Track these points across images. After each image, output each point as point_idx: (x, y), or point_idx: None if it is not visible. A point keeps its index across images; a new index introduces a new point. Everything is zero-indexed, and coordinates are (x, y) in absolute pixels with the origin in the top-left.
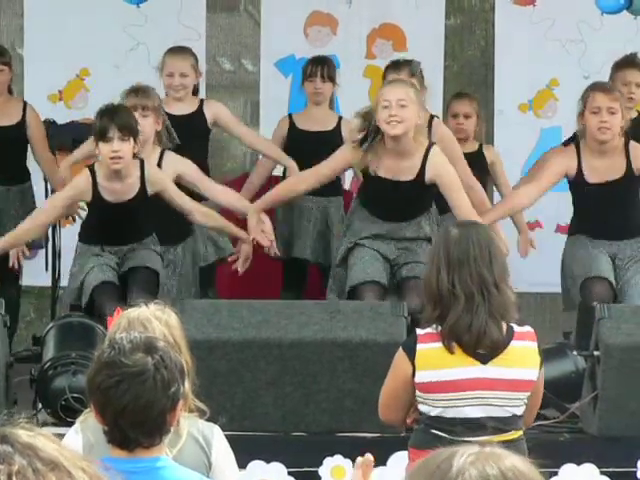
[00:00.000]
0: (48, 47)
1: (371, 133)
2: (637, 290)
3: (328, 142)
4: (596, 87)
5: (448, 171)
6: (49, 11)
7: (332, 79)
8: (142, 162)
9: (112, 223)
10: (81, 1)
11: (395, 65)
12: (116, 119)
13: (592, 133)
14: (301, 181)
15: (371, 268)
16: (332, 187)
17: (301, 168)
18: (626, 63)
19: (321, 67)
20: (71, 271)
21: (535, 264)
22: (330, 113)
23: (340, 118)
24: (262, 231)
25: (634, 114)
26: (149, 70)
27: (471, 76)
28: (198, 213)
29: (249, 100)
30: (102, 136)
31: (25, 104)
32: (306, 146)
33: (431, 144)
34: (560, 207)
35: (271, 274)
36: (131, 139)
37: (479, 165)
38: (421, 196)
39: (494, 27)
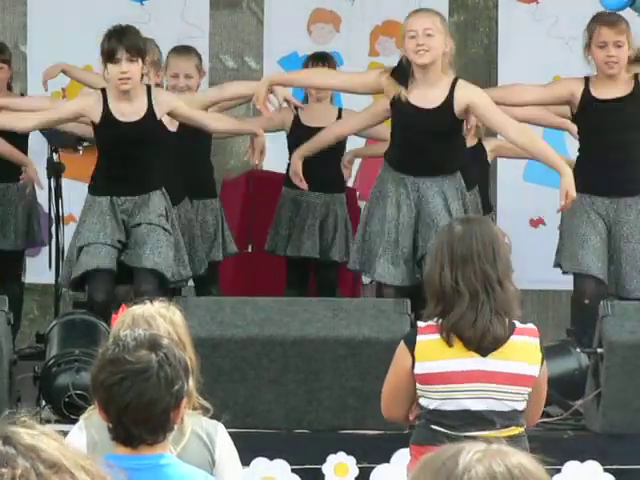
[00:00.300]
0: (51, 45)
1: (400, 63)
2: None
3: None
4: (601, 20)
5: (481, 95)
6: (52, 9)
7: None
8: (149, 87)
9: (122, 150)
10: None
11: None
12: (124, 40)
13: (600, 67)
14: (345, 125)
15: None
16: (336, 183)
17: (305, 164)
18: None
19: (321, 63)
20: (74, 236)
21: (538, 261)
22: (331, 108)
23: (340, 110)
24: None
25: None
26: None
27: (474, 73)
28: (211, 119)
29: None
30: (110, 57)
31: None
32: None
33: (457, 77)
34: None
35: (275, 272)
36: (139, 60)
37: (479, 160)
38: (449, 131)
39: (497, 24)
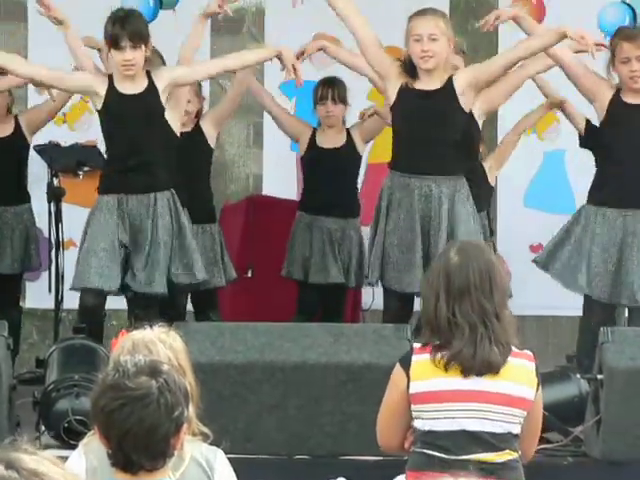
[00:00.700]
0: (54, 55)
1: (406, 61)
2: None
3: (343, 157)
4: (623, 35)
5: (477, 64)
6: (54, 34)
7: (343, 100)
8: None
9: (127, 130)
10: (86, 23)
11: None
12: (127, 27)
13: (625, 82)
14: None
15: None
16: (351, 208)
17: (320, 189)
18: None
19: (332, 89)
20: (82, 235)
21: (538, 287)
22: (343, 129)
23: (348, 130)
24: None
25: None
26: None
27: None
28: (224, 63)
29: (252, 122)
30: (114, 44)
31: (16, 116)
32: (323, 163)
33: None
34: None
35: (275, 297)
36: (142, 46)
37: (477, 177)
38: (452, 114)
39: (497, 49)
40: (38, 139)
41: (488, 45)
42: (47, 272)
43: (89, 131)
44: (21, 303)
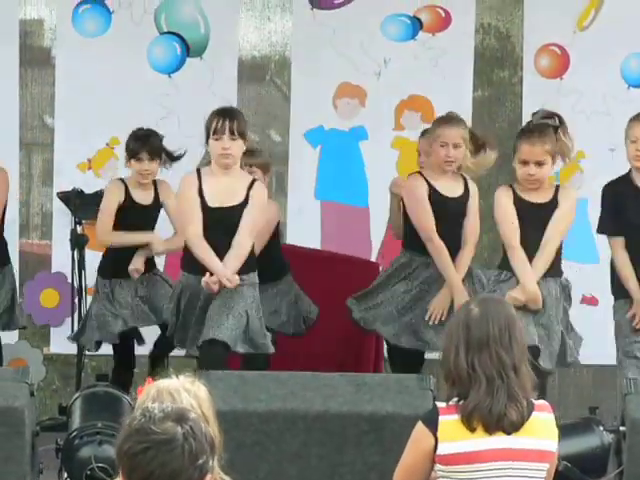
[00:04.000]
0: (79, 116)
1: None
2: None
3: None
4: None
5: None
6: (80, 80)
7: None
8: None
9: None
10: (112, 70)
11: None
12: (147, 144)
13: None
14: None
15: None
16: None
17: None
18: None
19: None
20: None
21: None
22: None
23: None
24: None
25: None
26: (180, 139)
27: (499, 149)
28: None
29: (275, 171)
30: (133, 156)
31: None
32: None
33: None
34: (585, 278)
35: (304, 348)
36: (158, 160)
37: None
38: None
39: (522, 99)
40: (61, 186)
41: (512, 97)
42: (70, 318)
43: (115, 177)
44: (45, 348)
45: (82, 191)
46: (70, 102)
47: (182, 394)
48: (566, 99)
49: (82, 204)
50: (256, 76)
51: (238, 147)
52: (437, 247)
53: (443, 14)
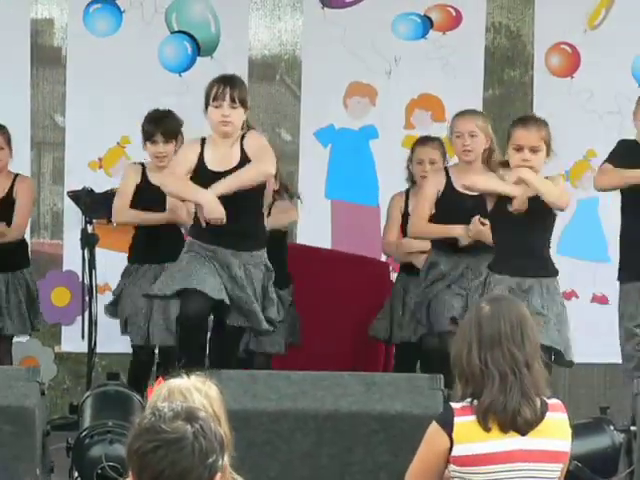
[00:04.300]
0: (89, 115)
1: None
2: None
3: None
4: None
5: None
6: (91, 79)
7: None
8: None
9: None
10: (123, 69)
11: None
12: (161, 125)
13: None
14: None
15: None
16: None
17: None
18: None
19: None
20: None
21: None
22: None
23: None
24: None
25: None
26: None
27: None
28: None
29: (285, 171)
30: (148, 138)
31: (15, 176)
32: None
33: None
34: (596, 277)
35: (312, 347)
36: (174, 142)
37: None
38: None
39: (532, 98)
40: (72, 185)
41: (523, 96)
42: (80, 317)
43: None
44: (56, 347)
45: (92, 190)
46: (81, 101)
47: (193, 393)
48: (577, 98)
49: (92, 203)
50: (266, 75)
51: (238, 115)
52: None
53: (454, 13)
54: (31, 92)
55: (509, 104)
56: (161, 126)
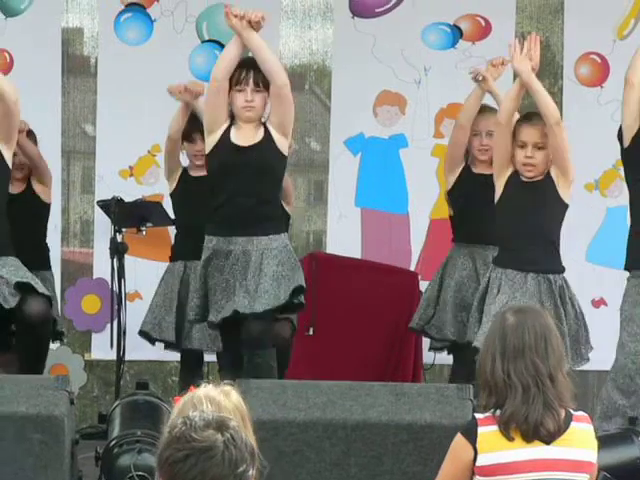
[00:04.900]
0: (120, 123)
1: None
2: None
3: None
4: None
5: None
6: (122, 88)
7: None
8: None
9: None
10: (154, 78)
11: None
12: (198, 124)
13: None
14: None
15: None
16: None
17: None
18: None
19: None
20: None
21: (600, 342)
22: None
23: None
24: None
25: None
26: None
27: None
28: None
29: (312, 179)
30: (186, 138)
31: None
32: None
33: None
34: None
35: (337, 356)
36: None
37: None
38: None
39: (562, 107)
40: (103, 194)
41: None
42: (109, 325)
43: (156, 184)
44: (86, 354)
45: (122, 199)
46: (112, 110)
47: (221, 402)
48: (605, 108)
49: (121, 212)
50: (296, 84)
51: (262, 99)
52: None
53: (483, 23)
54: (62, 100)
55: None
56: (198, 124)
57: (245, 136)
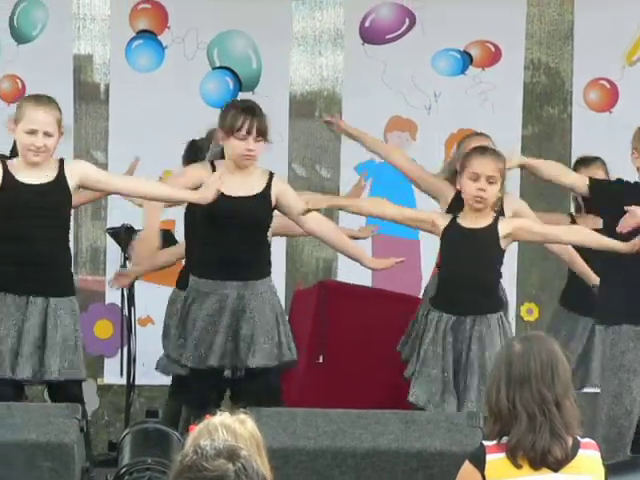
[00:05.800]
0: (132, 150)
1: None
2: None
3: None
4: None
5: (523, 205)
6: (133, 114)
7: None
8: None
9: None
10: (165, 104)
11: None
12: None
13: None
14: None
15: None
16: None
17: None
18: None
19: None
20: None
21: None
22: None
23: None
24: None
25: None
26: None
27: (549, 184)
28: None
29: None
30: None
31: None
32: None
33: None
34: None
35: (346, 384)
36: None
37: None
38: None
39: (571, 133)
40: (113, 221)
41: (562, 132)
42: (119, 351)
43: (166, 212)
44: (99, 379)
45: (131, 227)
46: (123, 136)
47: (236, 431)
48: (615, 133)
49: (131, 240)
50: (307, 110)
51: (261, 148)
52: None
53: (493, 49)
54: (74, 127)
55: (548, 142)
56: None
57: (239, 186)
